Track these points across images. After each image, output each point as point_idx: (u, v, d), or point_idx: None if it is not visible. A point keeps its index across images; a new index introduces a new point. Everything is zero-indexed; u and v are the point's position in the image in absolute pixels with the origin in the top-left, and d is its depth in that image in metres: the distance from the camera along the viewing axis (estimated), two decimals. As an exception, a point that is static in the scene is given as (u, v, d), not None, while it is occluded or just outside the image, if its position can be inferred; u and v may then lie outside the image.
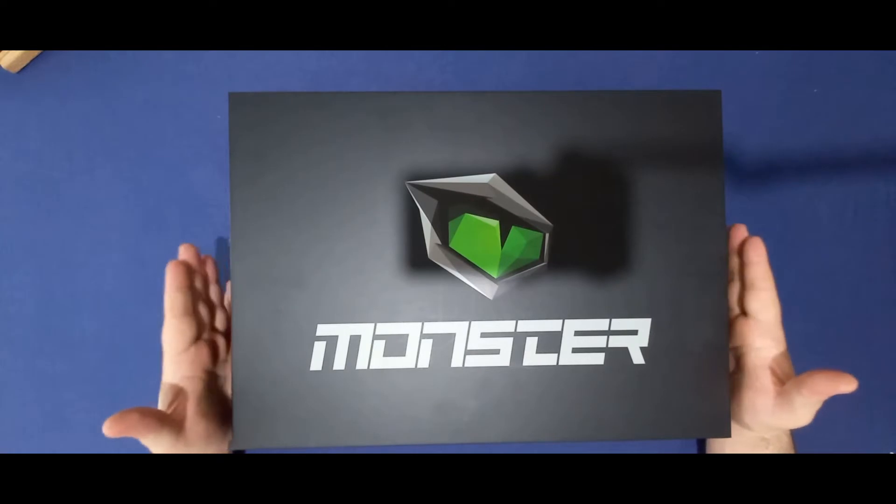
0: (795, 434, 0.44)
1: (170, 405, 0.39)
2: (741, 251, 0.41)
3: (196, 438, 0.39)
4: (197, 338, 0.41)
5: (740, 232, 0.42)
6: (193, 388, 0.40)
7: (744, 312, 0.41)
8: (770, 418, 0.40)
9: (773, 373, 0.40)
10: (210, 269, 0.45)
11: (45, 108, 0.51)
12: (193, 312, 0.40)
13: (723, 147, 0.41)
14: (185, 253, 0.43)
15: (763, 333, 0.40)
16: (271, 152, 0.40)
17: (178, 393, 0.39)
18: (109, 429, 0.34)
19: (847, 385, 0.35)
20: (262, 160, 0.40)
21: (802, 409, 0.38)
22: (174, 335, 0.40)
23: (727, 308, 0.41)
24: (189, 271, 0.40)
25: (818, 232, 0.52)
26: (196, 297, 0.41)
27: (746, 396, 0.40)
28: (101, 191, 0.51)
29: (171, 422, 0.38)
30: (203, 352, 0.41)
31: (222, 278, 0.48)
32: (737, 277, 0.42)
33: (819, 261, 0.52)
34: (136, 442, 0.49)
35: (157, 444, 0.37)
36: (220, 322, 0.44)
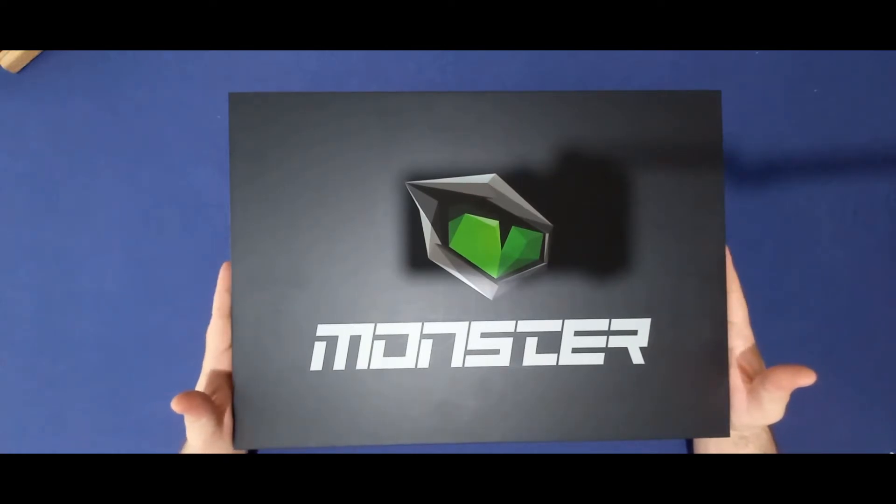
0: (791, 433, 0.44)
1: (211, 395, 0.39)
2: None
3: (228, 433, 0.40)
4: None
5: None
6: (231, 385, 0.41)
7: None
8: (745, 416, 0.40)
9: (744, 370, 0.41)
10: None
11: (45, 108, 0.51)
12: None
13: (723, 147, 0.41)
14: None
15: (735, 335, 0.41)
16: (271, 152, 0.40)
17: (218, 387, 0.40)
18: (178, 404, 0.35)
19: (806, 378, 0.36)
20: (262, 160, 0.40)
21: (770, 404, 0.39)
22: (219, 334, 0.41)
23: (726, 308, 0.41)
24: None
25: (818, 232, 0.52)
26: None
27: None
28: (101, 191, 0.51)
29: (218, 411, 0.39)
30: None
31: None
32: None
33: (819, 261, 0.52)
34: (136, 442, 0.49)
35: (202, 430, 0.38)
36: None
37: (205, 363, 0.42)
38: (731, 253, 0.43)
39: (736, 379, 0.41)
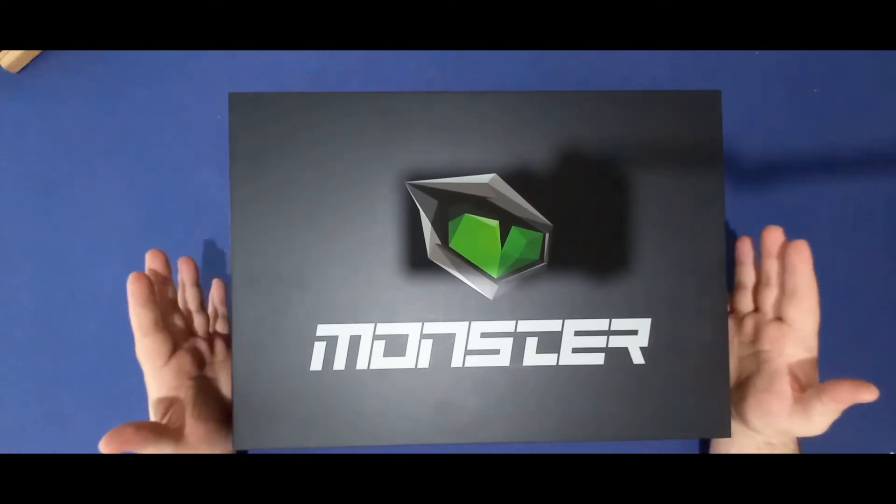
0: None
1: (163, 416, 0.38)
2: (782, 255, 0.40)
3: (197, 442, 0.39)
4: (175, 349, 0.40)
5: (777, 234, 0.41)
6: (185, 396, 0.39)
7: (779, 318, 0.41)
8: (785, 424, 0.39)
9: (796, 379, 0.39)
10: (187, 273, 0.44)
11: (45, 108, 0.51)
12: (164, 326, 0.39)
13: (723, 147, 0.41)
14: (151, 261, 0.41)
15: (798, 342, 0.40)
16: (271, 152, 0.40)
17: (170, 403, 0.39)
18: (106, 445, 0.34)
19: (869, 394, 0.35)
20: (262, 160, 0.40)
21: (820, 417, 0.37)
22: (150, 354, 0.39)
23: (727, 308, 0.41)
24: (150, 284, 0.38)
25: (818, 232, 0.52)
26: (167, 307, 0.40)
27: (762, 399, 0.40)
28: (101, 191, 0.51)
29: (168, 431, 0.37)
30: (186, 361, 0.40)
31: (222, 278, 0.48)
32: (774, 282, 0.41)
33: (819, 261, 0.52)
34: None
35: (158, 451, 0.37)
36: (199, 326, 0.44)
37: (148, 387, 0.40)
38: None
39: (784, 385, 0.39)
